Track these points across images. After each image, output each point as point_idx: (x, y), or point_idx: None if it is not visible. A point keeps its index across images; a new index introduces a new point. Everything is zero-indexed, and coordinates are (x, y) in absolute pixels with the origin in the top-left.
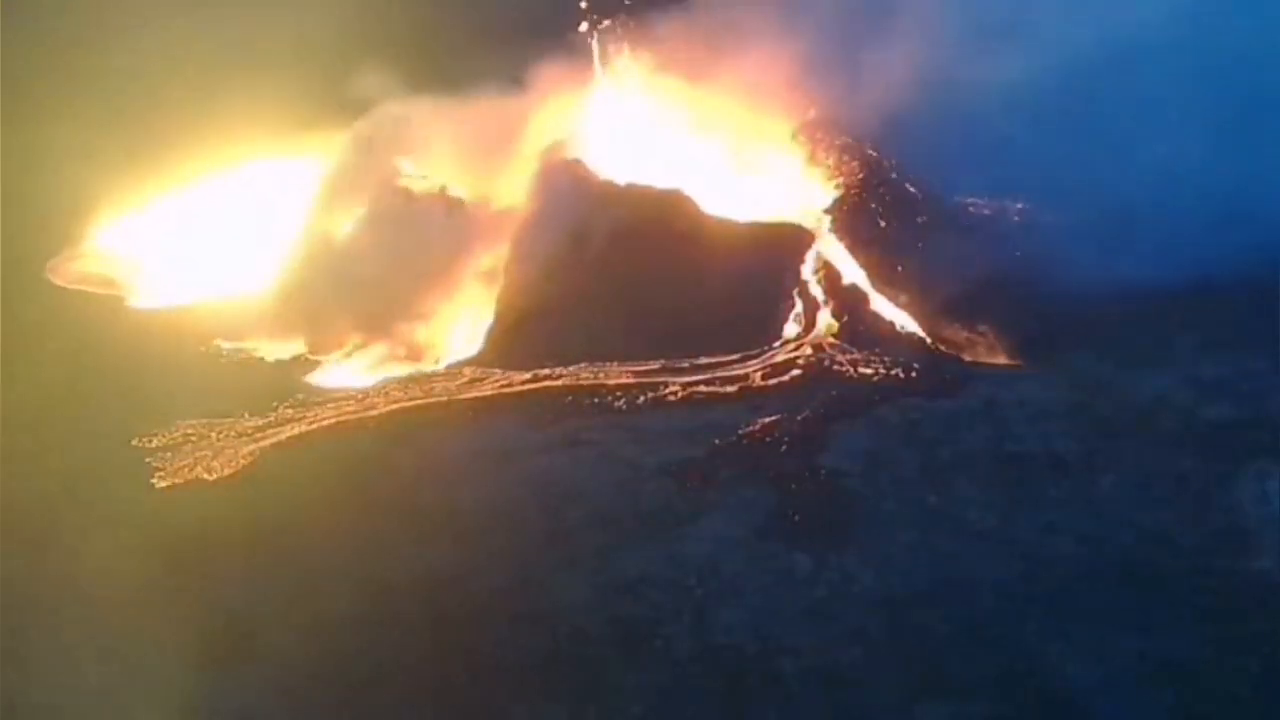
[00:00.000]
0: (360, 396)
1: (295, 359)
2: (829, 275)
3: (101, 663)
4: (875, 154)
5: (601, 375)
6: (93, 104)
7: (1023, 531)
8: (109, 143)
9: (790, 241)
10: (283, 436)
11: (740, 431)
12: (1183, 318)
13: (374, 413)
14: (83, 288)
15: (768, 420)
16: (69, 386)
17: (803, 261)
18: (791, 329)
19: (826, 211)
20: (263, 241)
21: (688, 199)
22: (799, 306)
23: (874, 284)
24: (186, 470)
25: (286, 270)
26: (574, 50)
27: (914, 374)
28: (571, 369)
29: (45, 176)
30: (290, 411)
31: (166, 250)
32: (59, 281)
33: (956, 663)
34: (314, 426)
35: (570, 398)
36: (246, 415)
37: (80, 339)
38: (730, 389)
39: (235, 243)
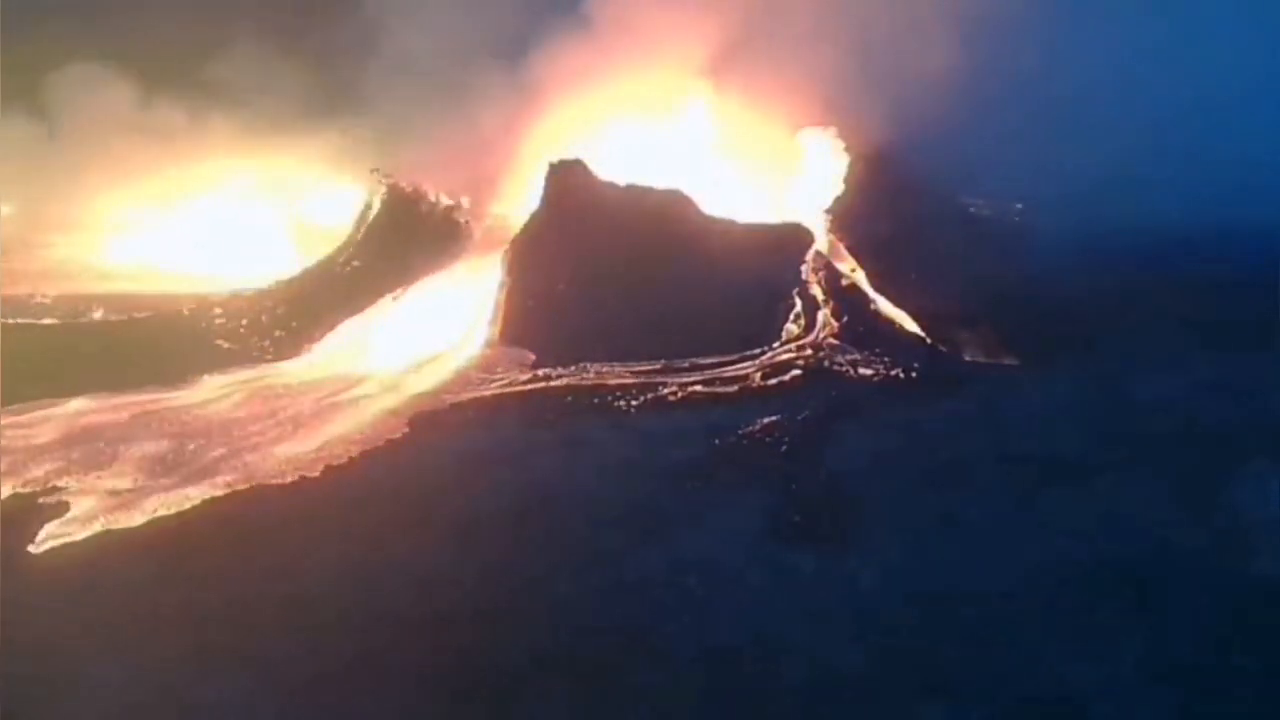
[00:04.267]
0: None
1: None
2: (829, 275)
3: (94, 662)
4: (876, 154)
5: (601, 375)
6: None
7: (1023, 532)
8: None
9: (790, 241)
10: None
11: (740, 431)
12: (1183, 318)
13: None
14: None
15: (768, 420)
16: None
17: (803, 261)
18: (791, 329)
19: (826, 211)
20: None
21: (688, 199)
22: (799, 306)
23: (874, 284)
24: None
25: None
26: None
27: (914, 374)
28: (571, 369)
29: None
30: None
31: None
32: None
33: (957, 663)
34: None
35: (570, 398)
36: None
37: None
38: (730, 389)
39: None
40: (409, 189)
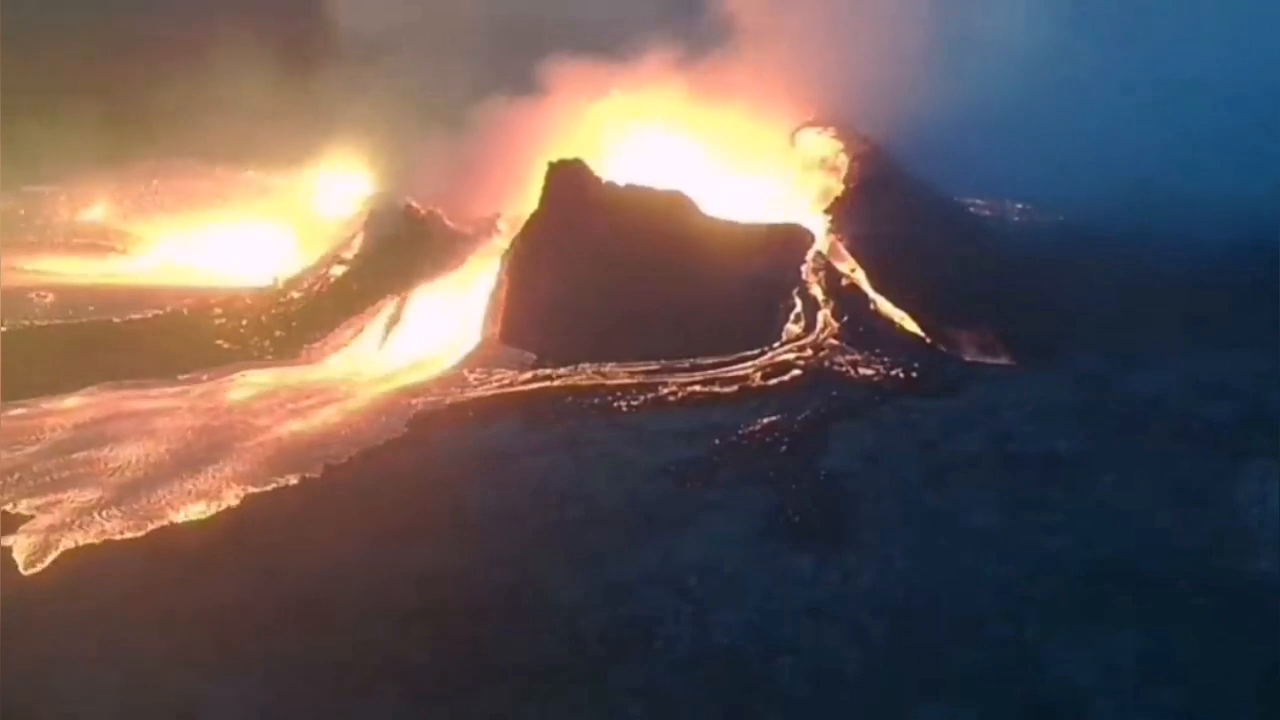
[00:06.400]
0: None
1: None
2: (829, 275)
3: (93, 662)
4: (876, 154)
5: (601, 375)
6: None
7: (1023, 531)
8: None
9: (790, 241)
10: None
11: (740, 431)
12: (1183, 317)
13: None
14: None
15: (768, 420)
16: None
17: (803, 261)
18: (791, 329)
19: (826, 211)
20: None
21: (688, 200)
22: (799, 306)
23: (874, 284)
24: None
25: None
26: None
27: (914, 374)
28: (571, 369)
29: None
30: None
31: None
32: None
33: (956, 663)
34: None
35: (570, 398)
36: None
37: None
38: (730, 389)
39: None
40: (423, 212)
